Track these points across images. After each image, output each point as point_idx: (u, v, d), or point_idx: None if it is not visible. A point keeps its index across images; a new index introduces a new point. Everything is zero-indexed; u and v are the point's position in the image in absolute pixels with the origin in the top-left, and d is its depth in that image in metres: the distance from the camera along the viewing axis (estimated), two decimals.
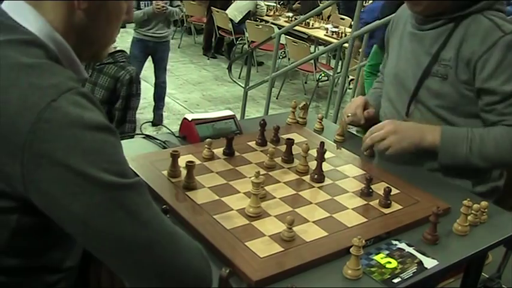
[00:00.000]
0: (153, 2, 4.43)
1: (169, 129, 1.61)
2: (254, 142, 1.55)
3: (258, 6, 7.21)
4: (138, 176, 0.87)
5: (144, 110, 4.55)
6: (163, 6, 4.42)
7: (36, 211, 0.80)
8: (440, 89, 1.50)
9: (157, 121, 4.79)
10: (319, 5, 5.80)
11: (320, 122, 1.75)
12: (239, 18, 7.04)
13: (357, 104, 1.73)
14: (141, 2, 4.46)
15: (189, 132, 1.55)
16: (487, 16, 1.45)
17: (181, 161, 1.30)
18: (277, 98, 5.99)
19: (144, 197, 0.82)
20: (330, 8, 7.05)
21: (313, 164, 1.40)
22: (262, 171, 1.36)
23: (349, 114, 1.69)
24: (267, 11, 7.47)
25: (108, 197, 0.77)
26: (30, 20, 0.84)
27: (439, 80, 1.50)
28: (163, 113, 4.95)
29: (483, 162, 1.46)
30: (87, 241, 0.81)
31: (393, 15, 1.81)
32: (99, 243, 0.79)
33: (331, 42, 5.55)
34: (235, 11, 7.10)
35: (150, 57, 4.72)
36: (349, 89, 5.69)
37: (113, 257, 0.81)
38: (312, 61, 5.52)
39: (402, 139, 1.48)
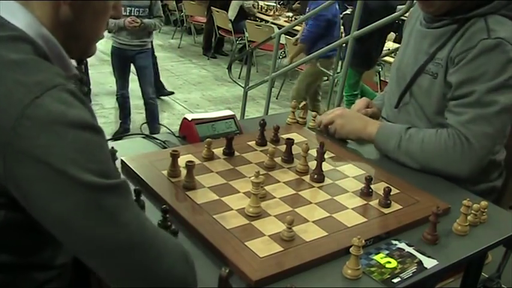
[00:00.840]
0: (132, 11, 4.08)
1: (169, 129, 1.61)
2: (254, 142, 1.55)
3: (244, 4, 7.22)
4: (126, 176, 0.86)
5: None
6: (135, 23, 4.05)
7: (23, 207, 0.80)
8: (430, 88, 1.53)
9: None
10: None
11: (314, 120, 1.75)
12: (234, 16, 7.08)
13: (359, 106, 1.79)
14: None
15: (189, 132, 1.55)
16: (486, 20, 1.44)
17: (181, 161, 1.30)
18: (277, 98, 5.99)
19: (125, 198, 0.81)
20: None
21: (313, 164, 1.40)
22: (262, 171, 1.36)
23: None
24: (267, 10, 7.47)
25: (87, 197, 0.76)
26: (19, 17, 0.84)
27: (430, 78, 1.53)
28: (164, 113, 4.94)
29: (411, 162, 1.50)
30: (67, 241, 0.80)
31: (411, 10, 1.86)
32: (79, 244, 0.79)
33: None
34: (231, 11, 7.15)
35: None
36: None
37: (92, 258, 0.80)
38: None
39: (346, 124, 1.62)
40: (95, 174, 0.77)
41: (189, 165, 1.26)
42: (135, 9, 4.11)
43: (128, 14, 4.07)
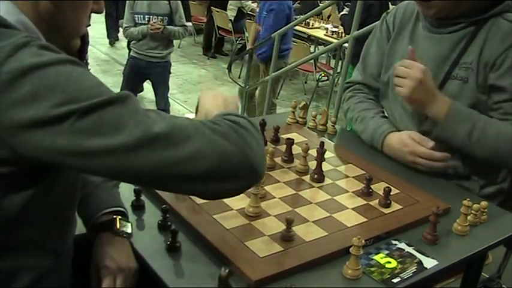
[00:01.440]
0: (151, 18, 3.94)
1: None
2: None
3: (243, 4, 7.22)
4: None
5: None
6: (158, 28, 3.91)
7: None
8: (460, 93, 1.48)
9: None
10: (319, 5, 5.79)
11: (314, 120, 1.75)
12: (234, 16, 7.08)
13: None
14: (135, 16, 3.99)
15: None
16: (506, 18, 1.45)
17: None
18: (277, 98, 5.99)
19: (124, 107, 0.80)
20: (330, 8, 7.04)
21: (313, 164, 1.40)
22: None
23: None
24: None
25: (90, 120, 0.77)
26: None
27: (460, 83, 1.49)
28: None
29: (479, 151, 1.44)
30: (86, 169, 0.82)
31: (384, 19, 1.73)
32: (97, 163, 0.79)
33: (331, 42, 5.54)
34: (229, 11, 7.16)
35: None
36: None
37: (116, 175, 0.83)
38: (312, 61, 5.52)
39: (416, 91, 1.43)
40: (84, 99, 0.77)
41: None
42: (154, 18, 3.94)
43: (147, 22, 3.95)
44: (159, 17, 3.94)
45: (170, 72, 4.25)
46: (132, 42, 4.11)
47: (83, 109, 0.77)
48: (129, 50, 4.06)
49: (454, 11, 1.48)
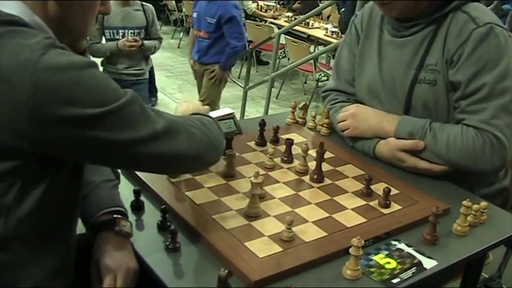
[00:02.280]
0: (126, 33, 3.43)
1: None
2: (253, 142, 1.55)
3: (245, 6, 7.21)
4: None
5: None
6: (134, 43, 3.39)
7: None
8: (429, 97, 1.46)
9: None
10: (319, 5, 5.79)
11: (314, 120, 1.75)
12: None
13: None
14: (107, 31, 3.44)
15: None
16: (464, 10, 1.43)
17: None
18: (277, 98, 5.99)
19: (137, 107, 0.92)
20: (330, 8, 7.04)
21: (312, 164, 1.40)
22: (262, 171, 1.36)
23: None
24: (266, 11, 7.46)
25: (115, 118, 0.87)
26: (13, 7, 0.89)
27: (428, 86, 1.46)
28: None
29: (436, 159, 1.43)
30: (107, 163, 1.03)
31: (352, 23, 1.71)
32: (119, 158, 0.94)
33: (330, 42, 5.55)
34: None
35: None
36: None
37: (128, 164, 1.02)
38: (312, 61, 5.52)
39: (360, 122, 1.54)
40: (111, 102, 0.87)
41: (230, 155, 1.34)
42: (130, 32, 3.44)
43: (121, 37, 3.43)
44: (136, 30, 3.46)
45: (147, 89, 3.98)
46: (105, 60, 3.55)
47: (110, 110, 0.87)
48: (103, 68, 3.53)
49: (414, 10, 1.46)
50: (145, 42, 3.49)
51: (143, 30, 3.50)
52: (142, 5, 3.52)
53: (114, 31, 3.43)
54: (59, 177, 0.91)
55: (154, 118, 0.94)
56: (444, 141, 1.40)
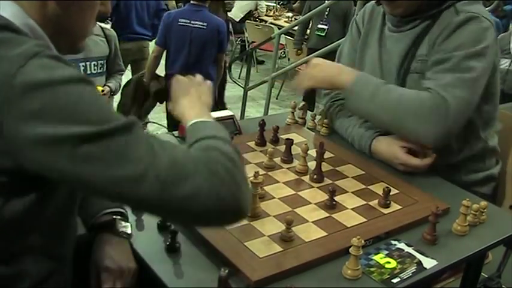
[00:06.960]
0: (88, 66, 2.82)
1: (169, 130, 1.60)
2: (253, 142, 1.55)
3: (258, 7, 7.22)
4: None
5: None
6: (105, 94, 2.86)
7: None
8: (419, 87, 1.47)
9: None
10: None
11: (313, 120, 1.75)
12: (240, 17, 7.07)
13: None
14: None
15: None
16: (457, 8, 1.47)
17: None
18: (277, 98, 5.99)
19: (131, 135, 0.80)
20: None
21: (312, 164, 1.40)
22: (262, 171, 1.36)
23: None
24: (267, 11, 7.47)
25: (95, 145, 0.77)
26: (5, 8, 0.86)
27: (417, 76, 1.50)
28: (163, 113, 4.93)
29: (383, 113, 1.42)
30: (86, 191, 0.93)
31: (354, 20, 1.75)
32: (97, 190, 0.81)
33: None
34: (237, 11, 7.13)
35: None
36: None
37: (116, 198, 0.85)
38: None
39: (319, 71, 1.53)
40: (95, 123, 0.77)
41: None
42: (93, 64, 2.86)
43: (82, 72, 2.76)
44: (100, 62, 2.92)
45: None
46: None
47: (91, 134, 0.77)
48: None
49: (420, 7, 1.50)
50: (111, 85, 2.96)
51: (104, 61, 2.95)
52: (102, 29, 2.95)
53: (74, 64, 2.91)
54: (45, 188, 0.88)
55: (154, 155, 0.80)
56: (396, 96, 1.42)
